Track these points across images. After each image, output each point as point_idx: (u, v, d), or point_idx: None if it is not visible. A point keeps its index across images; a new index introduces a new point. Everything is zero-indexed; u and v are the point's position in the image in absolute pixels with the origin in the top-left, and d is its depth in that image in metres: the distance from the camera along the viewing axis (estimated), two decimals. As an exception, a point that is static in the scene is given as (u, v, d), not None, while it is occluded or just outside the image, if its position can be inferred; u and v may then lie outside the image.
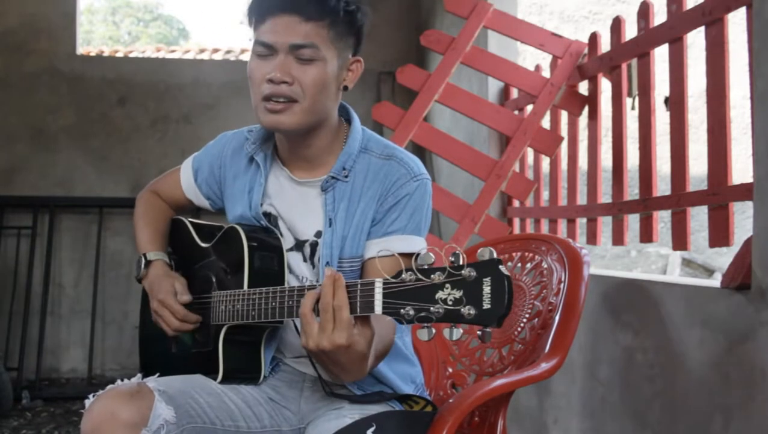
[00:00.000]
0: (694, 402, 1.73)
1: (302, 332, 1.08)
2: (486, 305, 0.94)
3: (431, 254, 0.99)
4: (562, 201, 3.01)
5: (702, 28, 2.00)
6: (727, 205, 1.85)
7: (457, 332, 0.98)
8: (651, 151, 2.27)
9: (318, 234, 1.37)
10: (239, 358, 1.36)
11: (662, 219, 4.48)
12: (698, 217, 4.34)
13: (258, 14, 1.30)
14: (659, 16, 2.16)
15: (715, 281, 1.74)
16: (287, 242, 1.39)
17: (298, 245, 1.39)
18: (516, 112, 3.10)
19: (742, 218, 4.00)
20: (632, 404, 2.00)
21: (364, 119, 1.47)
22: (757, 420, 1.52)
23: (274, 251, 1.35)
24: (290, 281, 1.37)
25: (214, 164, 1.52)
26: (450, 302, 0.96)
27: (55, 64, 4.38)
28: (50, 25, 4.38)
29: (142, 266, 1.48)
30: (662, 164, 2.33)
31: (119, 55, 6.89)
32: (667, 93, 2.22)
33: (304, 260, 1.39)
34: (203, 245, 1.46)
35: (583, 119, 2.82)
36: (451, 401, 1.31)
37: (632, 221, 2.53)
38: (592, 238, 2.64)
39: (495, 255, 0.96)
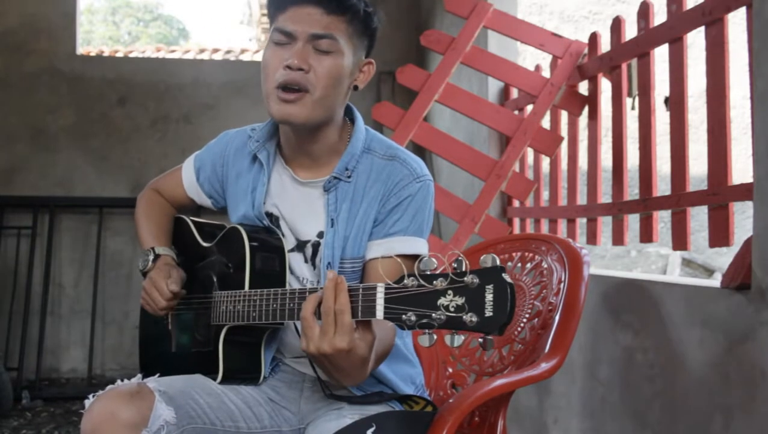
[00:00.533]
0: (694, 402, 1.73)
1: (303, 335, 1.08)
2: (488, 313, 0.94)
3: (434, 260, 0.99)
4: (562, 201, 3.01)
5: (702, 28, 2.00)
6: (727, 205, 1.85)
7: (459, 338, 0.97)
8: (651, 151, 2.27)
9: (320, 235, 1.37)
10: (239, 358, 1.35)
11: (662, 219, 4.48)
12: (698, 217, 4.34)
13: (279, 2, 1.31)
14: (659, 16, 2.16)
15: (715, 281, 1.74)
16: (289, 242, 1.39)
17: (300, 246, 1.39)
18: (516, 112, 3.10)
19: (742, 218, 4.01)
20: (632, 404, 2.00)
21: (364, 119, 1.47)
22: (757, 420, 1.52)
23: (275, 251, 1.35)
24: (291, 282, 1.37)
25: (217, 162, 1.52)
26: (452, 309, 0.96)
27: (55, 64, 4.38)
28: (50, 25, 4.38)
29: (150, 259, 1.46)
30: (662, 164, 2.33)
31: (119, 55, 6.89)
32: (667, 93, 2.22)
33: (305, 261, 1.39)
34: (205, 244, 1.46)
35: (583, 119, 2.82)
36: (451, 401, 1.31)
37: (632, 221, 2.53)
38: (592, 238, 2.64)
39: (498, 262, 0.95)
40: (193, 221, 1.54)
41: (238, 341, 1.33)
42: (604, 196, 2.73)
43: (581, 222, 2.85)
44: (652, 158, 2.27)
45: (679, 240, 2.09)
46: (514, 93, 3.21)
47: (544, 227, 3.03)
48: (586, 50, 2.74)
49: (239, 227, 1.35)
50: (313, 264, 1.39)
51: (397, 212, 1.34)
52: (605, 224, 2.92)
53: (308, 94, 1.28)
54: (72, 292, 4.38)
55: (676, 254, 5.80)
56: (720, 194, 1.86)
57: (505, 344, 1.60)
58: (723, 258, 5.63)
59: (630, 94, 2.52)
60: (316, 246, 1.38)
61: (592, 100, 2.72)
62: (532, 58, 4.76)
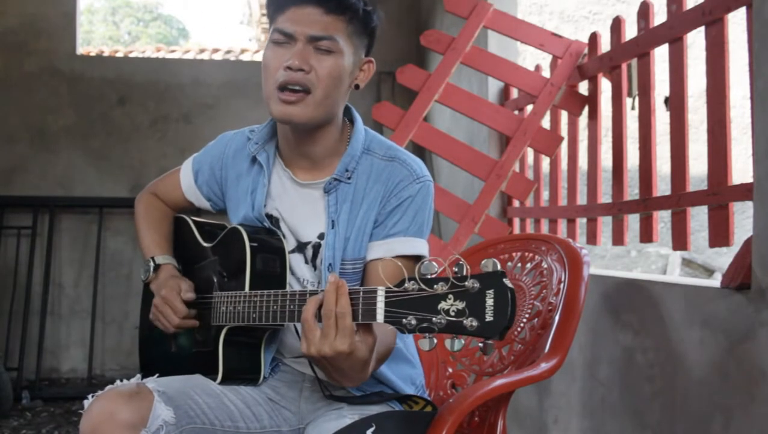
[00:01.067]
0: (694, 402, 1.73)
1: (304, 338, 1.08)
2: (489, 318, 0.94)
3: (434, 264, 0.99)
4: (562, 201, 3.01)
5: (702, 28, 2.00)
6: (727, 205, 1.85)
7: (459, 342, 0.97)
8: (651, 151, 2.27)
9: (320, 236, 1.37)
10: (239, 359, 1.35)
11: (662, 219, 4.48)
12: (698, 217, 4.34)
13: (279, 2, 1.31)
14: (659, 16, 2.16)
15: (715, 281, 1.73)
16: (289, 244, 1.39)
17: (300, 247, 1.39)
18: (516, 112, 3.10)
19: (742, 218, 4.01)
20: (632, 404, 2.00)
21: (364, 119, 1.47)
22: (757, 420, 1.52)
23: (276, 253, 1.35)
24: (291, 283, 1.37)
25: (215, 165, 1.51)
26: (452, 314, 0.95)
27: (55, 64, 4.39)
28: (50, 25, 4.38)
29: (151, 270, 1.47)
30: (662, 164, 2.33)
31: (119, 55, 6.89)
32: (667, 93, 2.22)
33: (306, 262, 1.39)
34: (205, 244, 1.46)
35: (583, 119, 2.82)
36: (451, 401, 1.31)
37: (632, 221, 2.53)
38: (592, 238, 2.64)
39: (499, 267, 0.95)
40: (193, 221, 1.54)
41: (239, 341, 1.33)
42: (604, 196, 2.73)
43: (581, 222, 2.85)
44: (652, 158, 2.27)
45: (679, 240, 2.09)
46: (514, 93, 3.21)
47: (544, 227, 3.03)
48: (586, 50, 2.74)
49: (240, 228, 1.34)
50: (314, 265, 1.39)
51: (397, 213, 1.34)
52: (605, 224, 2.92)
53: (309, 94, 1.28)
54: (72, 292, 4.38)
55: (676, 254, 5.79)
56: (720, 194, 1.86)
57: (505, 344, 1.60)
58: (723, 258, 5.63)
59: (630, 94, 2.52)
60: (316, 247, 1.38)
61: (592, 100, 2.72)
62: (532, 58, 4.75)
